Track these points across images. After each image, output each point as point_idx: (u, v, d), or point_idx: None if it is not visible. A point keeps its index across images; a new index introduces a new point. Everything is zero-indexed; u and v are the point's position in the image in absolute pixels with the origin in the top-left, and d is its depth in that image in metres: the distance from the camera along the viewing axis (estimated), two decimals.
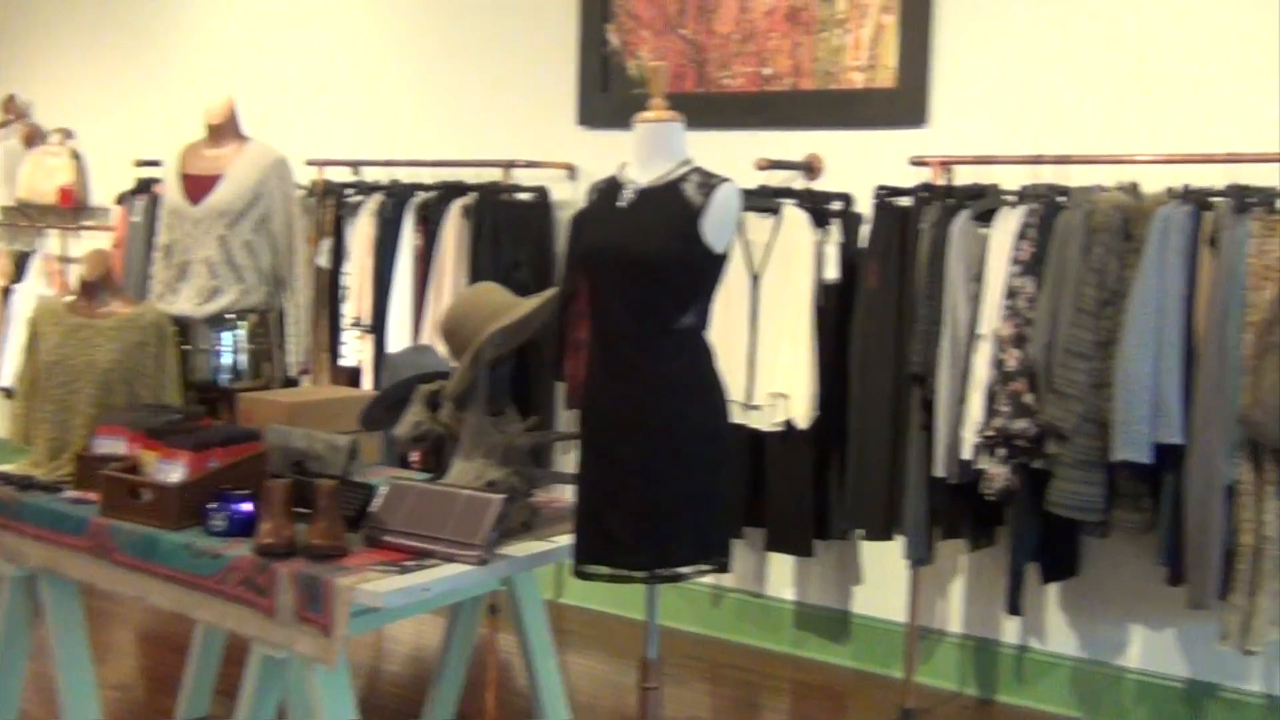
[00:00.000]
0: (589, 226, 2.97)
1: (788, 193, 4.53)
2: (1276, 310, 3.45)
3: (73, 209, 6.87)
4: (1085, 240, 3.70)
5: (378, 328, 5.20)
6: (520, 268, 4.94)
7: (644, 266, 2.80)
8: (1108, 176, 3.92)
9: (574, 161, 5.26)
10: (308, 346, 4.45)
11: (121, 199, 6.28)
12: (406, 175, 5.46)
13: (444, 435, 3.28)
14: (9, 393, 6.81)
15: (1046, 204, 3.88)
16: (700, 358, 2.90)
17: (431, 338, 4.92)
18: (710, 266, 2.85)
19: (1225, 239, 3.55)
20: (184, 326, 4.01)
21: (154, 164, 6.12)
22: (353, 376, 5.34)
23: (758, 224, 4.44)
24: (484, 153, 5.38)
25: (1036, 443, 3.76)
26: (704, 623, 5.03)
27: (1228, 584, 3.58)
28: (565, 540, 3.01)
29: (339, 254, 5.41)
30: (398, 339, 5.09)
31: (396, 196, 5.32)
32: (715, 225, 2.81)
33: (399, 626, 4.88)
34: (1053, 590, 4.29)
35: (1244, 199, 3.61)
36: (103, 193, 6.81)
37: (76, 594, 3.42)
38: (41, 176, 6.89)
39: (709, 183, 2.84)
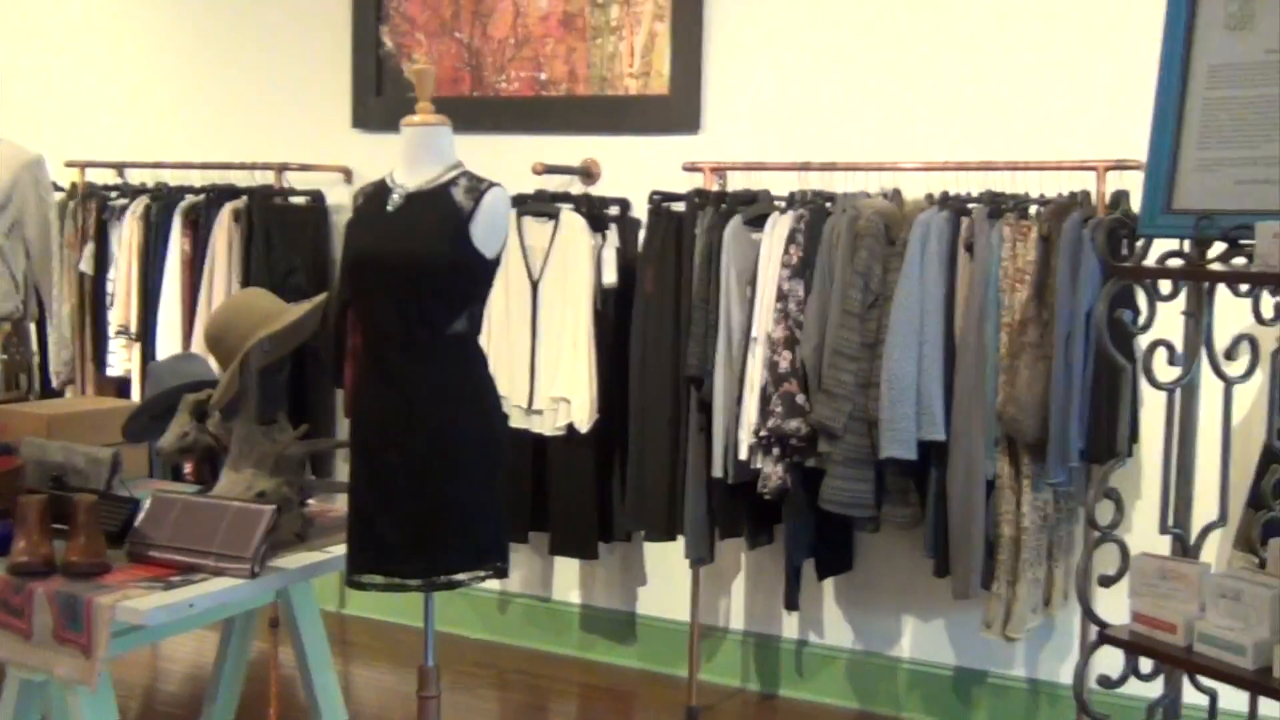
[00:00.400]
0: (356, 231, 2.94)
1: (565, 197, 4.56)
2: (1029, 311, 3.63)
3: None
4: (850, 245, 3.83)
5: (146, 336, 5.01)
6: (295, 273, 4.84)
7: (413, 271, 2.78)
8: (872, 183, 4.07)
9: (349, 164, 5.18)
10: (70, 356, 4.27)
11: None
12: (174, 178, 5.29)
13: (212, 446, 3.19)
14: None
15: (814, 209, 4.00)
16: (471, 364, 2.89)
17: (200, 345, 4.78)
18: (481, 271, 2.85)
19: (980, 244, 3.72)
20: None
21: None
22: (120, 387, 5.14)
23: (536, 229, 4.46)
24: (256, 155, 5.25)
25: (809, 442, 3.87)
26: (490, 628, 5.02)
27: (990, 574, 3.75)
28: (341, 550, 2.95)
29: (103, 259, 5.20)
30: (167, 347, 4.92)
31: (164, 200, 5.14)
32: (485, 229, 2.81)
33: (174, 644, 4.74)
34: (829, 585, 4.42)
35: (998, 205, 3.79)
36: None
37: None
38: None
39: (478, 187, 2.84)
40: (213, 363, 3.33)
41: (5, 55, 6.00)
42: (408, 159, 2.92)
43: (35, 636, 2.67)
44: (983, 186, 3.88)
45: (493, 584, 4.63)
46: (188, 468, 4.44)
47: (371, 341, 2.86)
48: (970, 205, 3.85)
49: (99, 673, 2.60)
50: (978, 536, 3.71)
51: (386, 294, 2.81)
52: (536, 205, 4.47)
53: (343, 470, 4.90)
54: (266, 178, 5.12)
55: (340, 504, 3.23)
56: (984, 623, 3.79)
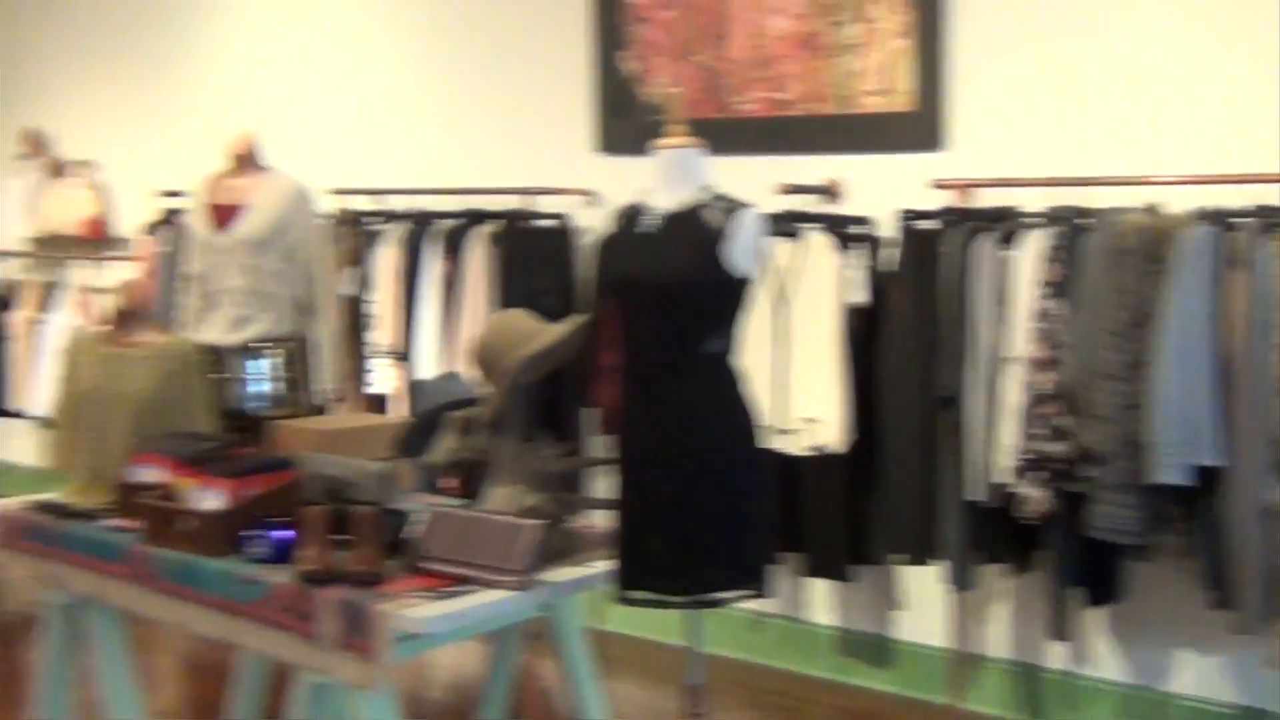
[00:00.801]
0: (612, 253, 3.01)
1: (809, 217, 4.55)
2: None
3: (97, 240, 6.92)
4: (1112, 262, 3.73)
5: (405, 355, 5.23)
6: (546, 294, 4.97)
7: (670, 292, 2.84)
8: (1127, 198, 3.93)
9: (592, 187, 5.29)
10: (335, 375, 4.49)
11: (149, 229, 6.33)
12: (430, 203, 5.51)
13: (478, 461, 3.31)
14: (42, 421, 6.86)
15: (1070, 226, 3.91)
16: (731, 382, 2.93)
17: (458, 364, 4.96)
18: (737, 291, 2.89)
19: (1251, 260, 3.57)
20: (216, 355, 4.05)
21: (177, 194, 6.19)
22: (380, 404, 5.37)
23: (781, 249, 4.47)
24: (504, 180, 5.42)
25: (1073, 466, 3.76)
26: (744, 648, 5.00)
27: (1272, 608, 3.57)
28: (603, 566, 3.02)
29: (363, 282, 5.46)
30: (425, 366, 5.12)
31: (420, 224, 5.36)
32: (739, 250, 2.85)
33: (438, 653, 4.88)
34: (1098, 615, 4.24)
35: (1269, 220, 3.63)
36: (126, 223, 6.86)
37: (119, 621, 3.44)
38: (64, 209, 6.95)
39: (731, 208, 2.88)
40: (474, 379, 3.45)
41: (274, 92, 6.35)
42: (661, 181, 2.98)
43: (321, 641, 2.81)
44: (1244, 200, 3.71)
45: (748, 603, 4.64)
46: (446, 482, 4.59)
47: (633, 362, 2.93)
48: (1237, 220, 3.69)
49: (382, 677, 2.72)
50: (1259, 567, 3.54)
51: (645, 315, 2.87)
52: (781, 225, 4.48)
53: (597, 488, 5.01)
54: (515, 202, 5.28)
55: (602, 520, 3.30)
56: (1269, 659, 3.60)
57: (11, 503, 3.60)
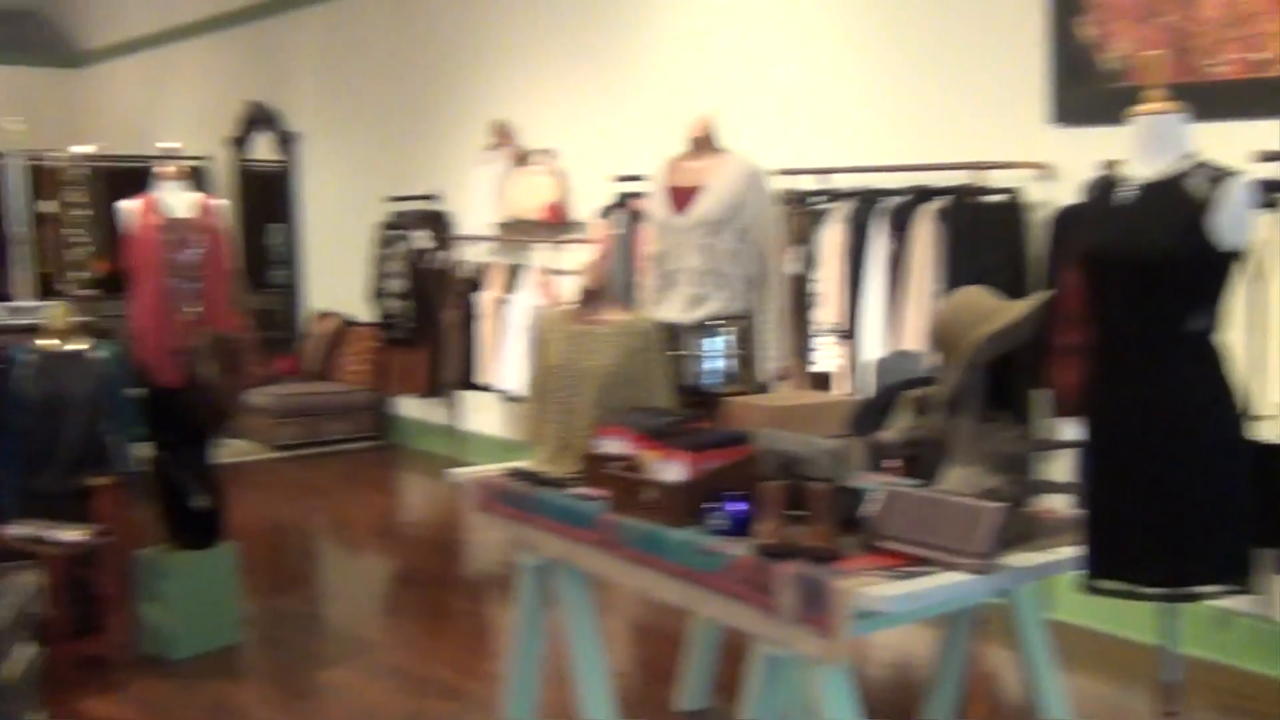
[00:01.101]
0: (1086, 226, 2.89)
1: None
2: None
3: (556, 224, 7.34)
4: None
5: (850, 333, 5.24)
6: (996, 271, 4.83)
7: (1149, 266, 2.69)
8: None
9: (1045, 160, 5.09)
10: (781, 353, 4.54)
11: (604, 212, 6.66)
12: (875, 181, 5.48)
13: (933, 441, 3.26)
14: (509, 397, 7.38)
15: None
16: (1213, 363, 2.75)
17: (906, 343, 4.91)
18: (1221, 265, 2.70)
19: None
20: (673, 332, 4.19)
21: (631, 179, 6.46)
22: (823, 382, 5.41)
23: (1259, 220, 4.14)
24: (951, 154, 5.31)
25: None
26: (1204, 646, 4.67)
27: None
28: (1066, 553, 2.91)
29: (808, 261, 5.50)
30: (870, 345, 5.11)
31: (865, 202, 5.35)
32: (1226, 221, 2.66)
33: (884, 633, 4.86)
34: None
35: None
36: (583, 208, 7.24)
37: (587, 584, 3.64)
38: (528, 194, 7.41)
39: (1217, 176, 2.69)
40: (929, 357, 3.40)
41: (720, 75, 6.51)
42: (1138, 149, 2.82)
43: (780, 614, 2.85)
44: None
45: (1224, 599, 4.34)
46: (890, 462, 4.56)
47: (1107, 340, 2.79)
48: None
49: (840, 653, 2.74)
50: None
51: (1121, 291, 2.73)
52: (1266, 195, 4.15)
53: (1053, 471, 4.83)
54: (962, 177, 5.16)
55: (1062, 505, 3.18)
56: None
57: (489, 469, 3.87)
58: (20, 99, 11.85)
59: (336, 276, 9.70)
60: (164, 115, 11.96)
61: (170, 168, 5.63)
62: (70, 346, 4.95)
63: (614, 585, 4.56)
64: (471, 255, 8.02)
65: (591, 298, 3.94)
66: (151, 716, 4.29)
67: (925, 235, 5.03)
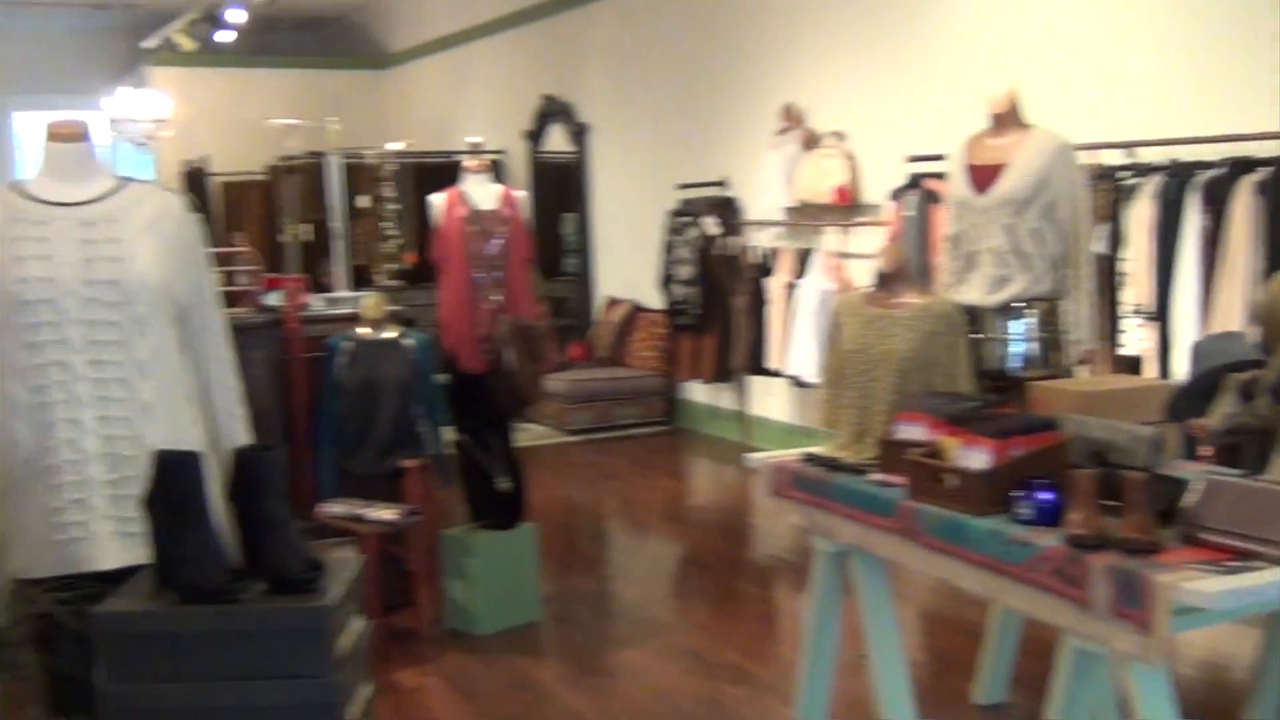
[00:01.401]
0: None
1: None
2: None
3: (846, 207, 7.25)
4: None
5: (1160, 315, 4.98)
6: None
7: None
8: None
9: None
10: (1089, 335, 4.35)
11: (895, 194, 6.54)
12: (1187, 153, 5.18)
13: (1260, 429, 3.06)
14: (798, 382, 7.35)
15: None
16: None
17: (1221, 325, 4.63)
18: None
19: None
20: (973, 315, 4.07)
21: (924, 159, 6.32)
22: (1133, 365, 5.16)
23: None
24: (1272, 123, 4.96)
25: None
26: None
27: None
28: None
29: (1115, 239, 5.25)
30: (1183, 327, 4.84)
31: (1177, 177, 5.06)
32: None
33: (1193, 630, 4.62)
34: None
35: None
36: (873, 190, 7.13)
37: (885, 572, 3.58)
38: (818, 178, 7.34)
39: None
40: (1257, 340, 3.19)
41: (1018, 48, 6.27)
42: None
43: (1093, 608, 2.73)
44: None
45: None
46: (1205, 451, 4.32)
47: None
48: None
49: (1161, 651, 2.59)
50: None
51: None
52: None
53: None
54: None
55: None
56: None
57: (784, 455, 3.84)
58: (334, 100, 12.52)
59: (626, 264, 9.88)
60: (464, 111, 12.44)
61: (475, 161, 5.84)
62: (384, 335, 5.20)
63: (904, 573, 4.48)
64: (760, 240, 8.01)
65: (888, 281, 3.87)
66: (458, 689, 4.46)
67: (1244, 210, 4.72)
